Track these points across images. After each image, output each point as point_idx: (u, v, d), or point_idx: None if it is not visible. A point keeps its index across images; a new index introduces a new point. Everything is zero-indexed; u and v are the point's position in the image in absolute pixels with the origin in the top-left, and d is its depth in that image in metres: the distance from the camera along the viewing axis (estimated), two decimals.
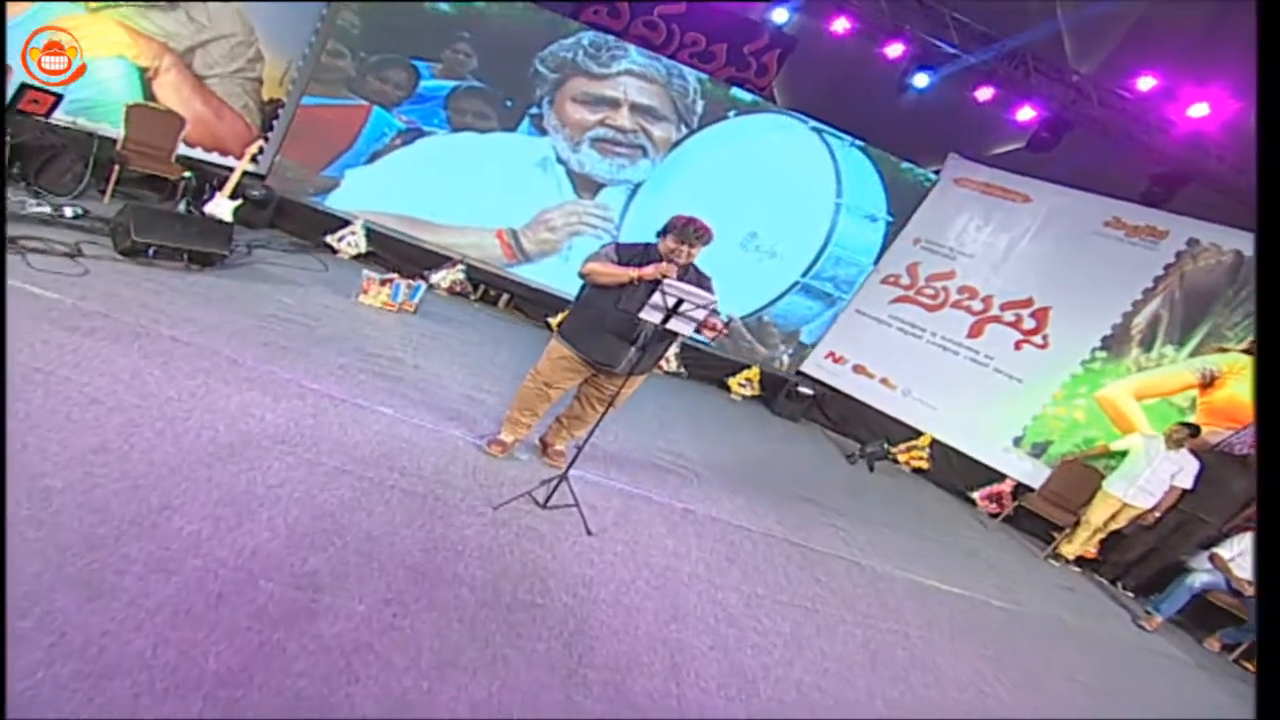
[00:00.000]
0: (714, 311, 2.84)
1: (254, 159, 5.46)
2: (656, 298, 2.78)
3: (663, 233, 3.09)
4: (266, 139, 6.66)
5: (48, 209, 4.68)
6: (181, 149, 6.09)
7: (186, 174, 5.81)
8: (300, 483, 2.66)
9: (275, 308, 4.44)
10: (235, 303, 4.26)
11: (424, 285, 5.53)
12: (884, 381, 7.01)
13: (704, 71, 6.86)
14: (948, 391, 6.65)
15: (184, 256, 4.63)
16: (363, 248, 6.37)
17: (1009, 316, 6.52)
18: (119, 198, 5.35)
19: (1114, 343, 5.97)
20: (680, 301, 2.79)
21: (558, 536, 2.99)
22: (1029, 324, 6.41)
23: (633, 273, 2.97)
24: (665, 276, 2.88)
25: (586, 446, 3.24)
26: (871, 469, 6.17)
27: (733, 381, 7.07)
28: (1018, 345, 6.43)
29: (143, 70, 5.65)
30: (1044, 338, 6.32)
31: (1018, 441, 6.29)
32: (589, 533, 3.09)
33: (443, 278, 6.44)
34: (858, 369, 7.19)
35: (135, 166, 5.46)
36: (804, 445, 6.42)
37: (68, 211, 4.71)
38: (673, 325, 2.88)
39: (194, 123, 6.06)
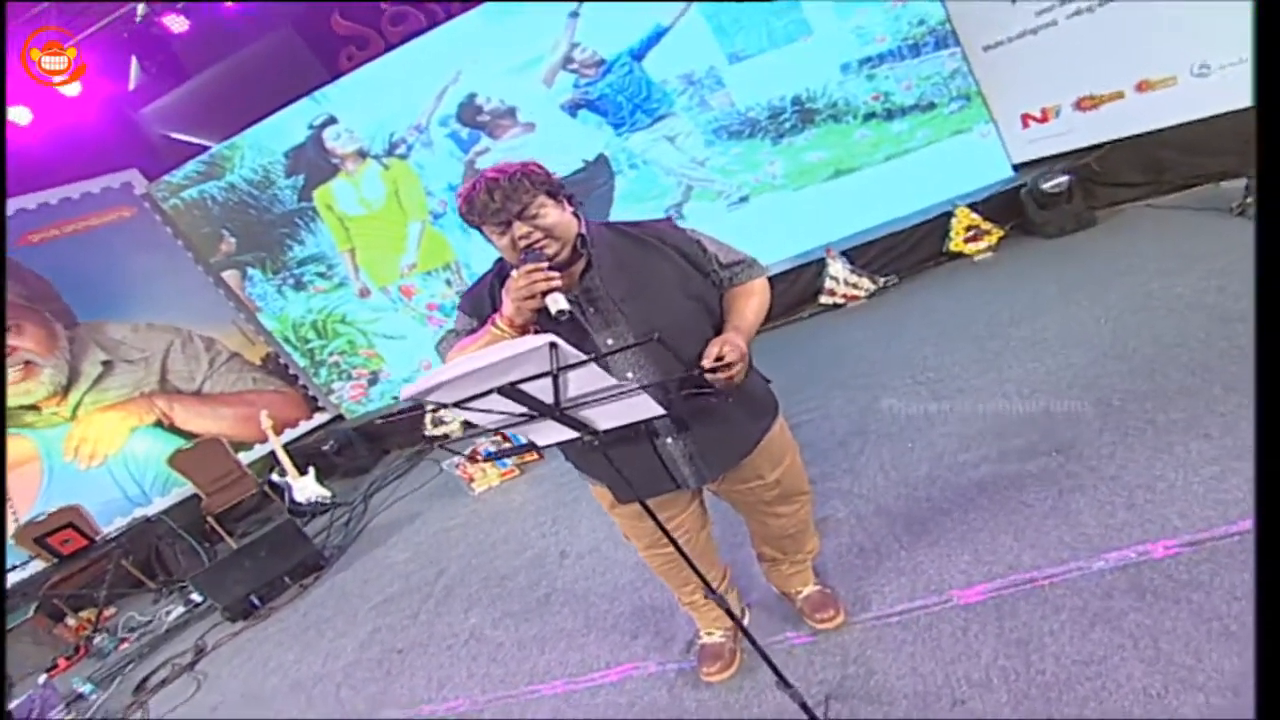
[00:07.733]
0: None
1: (275, 429, 5.08)
2: (584, 378, 1.18)
3: (480, 232, 1.42)
4: (306, 388, 6.11)
5: (181, 608, 4.43)
6: (257, 451, 5.69)
7: (273, 473, 5.39)
8: None
9: (390, 579, 3.49)
10: (346, 609, 3.37)
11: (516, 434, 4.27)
12: (1142, 86, 4.08)
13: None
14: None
15: (285, 580, 3.90)
16: (457, 413, 5.40)
17: None
18: (241, 535, 5.10)
19: None
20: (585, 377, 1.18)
21: None
22: None
23: (498, 333, 1.39)
24: (536, 292, 1.31)
25: (854, 536, 1.64)
26: None
27: (956, 245, 4.39)
28: None
29: (160, 425, 5.30)
30: None
31: None
32: None
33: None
34: (1084, 104, 4.33)
35: (221, 505, 5.02)
36: (1151, 247, 3.46)
37: (196, 597, 4.39)
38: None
39: (243, 425, 5.68)
